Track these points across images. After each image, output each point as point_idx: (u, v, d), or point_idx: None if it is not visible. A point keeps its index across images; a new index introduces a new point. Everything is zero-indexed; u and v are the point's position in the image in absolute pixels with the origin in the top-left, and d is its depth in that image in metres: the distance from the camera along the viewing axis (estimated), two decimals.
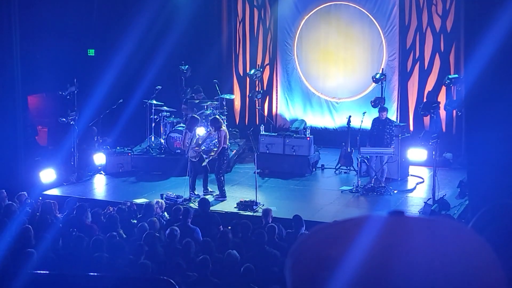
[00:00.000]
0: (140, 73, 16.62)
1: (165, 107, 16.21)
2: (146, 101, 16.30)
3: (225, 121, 14.89)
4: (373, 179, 13.99)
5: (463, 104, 14.25)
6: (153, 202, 11.74)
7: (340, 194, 13.97)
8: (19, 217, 10.50)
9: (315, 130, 16.82)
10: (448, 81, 15.82)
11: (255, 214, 12.38)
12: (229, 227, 10.64)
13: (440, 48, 16.68)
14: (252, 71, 17.91)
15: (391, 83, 17.03)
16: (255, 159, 13.60)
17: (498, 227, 1.71)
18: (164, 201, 12.52)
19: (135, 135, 16.99)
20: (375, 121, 14.35)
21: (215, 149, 13.67)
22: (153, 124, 16.36)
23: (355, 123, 15.40)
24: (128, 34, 16.18)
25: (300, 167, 15.34)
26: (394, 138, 14.21)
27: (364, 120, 14.97)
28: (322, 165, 15.92)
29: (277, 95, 18.49)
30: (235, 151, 16.22)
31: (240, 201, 12.91)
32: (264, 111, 18.42)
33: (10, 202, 11.44)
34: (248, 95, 18.38)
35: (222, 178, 13.50)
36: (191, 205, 12.81)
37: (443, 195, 12.99)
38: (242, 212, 12.60)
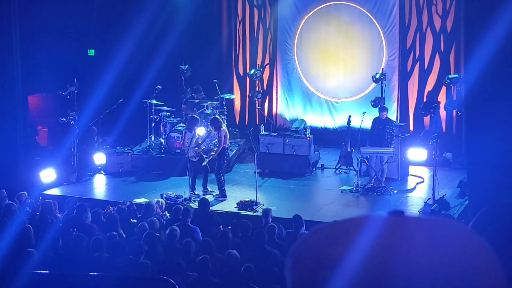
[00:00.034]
0: (140, 73, 16.63)
1: (165, 107, 16.21)
2: (146, 101, 16.30)
3: (225, 121, 14.88)
4: (373, 179, 13.99)
5: (463, 104, 14.26)
6: (153, 202, 11.74)
7: (340, 194, 13.97)
8: (19, 216, 10.49)
9: (315, 130, 16.82)
10: (448, 81, 15.82)
11: (255, 214, 12.38)
12: (229, 227, 10.64)
13: (440, 48, 16.68)
14: (252, 71, 17.92)
15: (391, 83, 17.03)
16: (255, 159, 13.60)
17: (498, 227, 1.71)
18: (164, 200, 12.52)
19: (135, 135, 16.99)
20: (376, 121, 14.35)
21: (215, 148, 13.67)
22: (153, 124, 16.37)
23: (355, 123, 15.40)
24: (128, 34, 16.18)
25: (300, 167, 15.34)
26: (394, 138, 14.21)
27: (364, 120, 14.97)
28: (322, 165, 15.92)
29: (277, 95, 18.49)
30: (235, 151, 16.22)
31: (240, 201, 12.91)
32: (264, 111, 18.42)
33: (10, 201, 11.44)
34: (248, 95, 18.38)
35: (222, 177, 13.50)
36: (191, 205, 12.80)
37: (443, 195, 12.99)
38: (242, 212, 12.60)
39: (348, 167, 15.49)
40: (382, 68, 16.81)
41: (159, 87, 16.32)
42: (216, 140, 13.94)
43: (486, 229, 1.68)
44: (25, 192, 12.15)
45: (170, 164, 15.24)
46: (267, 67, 18.54)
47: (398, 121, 15.86)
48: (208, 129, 14.29)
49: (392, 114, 16.39)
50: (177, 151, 15.29)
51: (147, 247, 9.00)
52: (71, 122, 15.31)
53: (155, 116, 16.31)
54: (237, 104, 18.82)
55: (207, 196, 12.92)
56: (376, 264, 1.19)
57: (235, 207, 12.85)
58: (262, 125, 16.33)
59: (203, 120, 15.36)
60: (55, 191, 14.00)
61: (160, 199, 12.39)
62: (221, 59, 18.65)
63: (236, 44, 18.82)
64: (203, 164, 13.61)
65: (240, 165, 16.15)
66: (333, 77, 17.77)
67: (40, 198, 12.52)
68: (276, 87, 18.47)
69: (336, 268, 1.22)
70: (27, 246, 8.87)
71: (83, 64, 17.05)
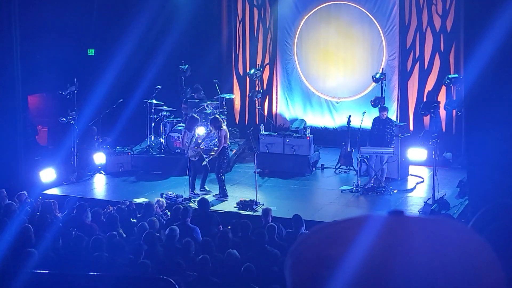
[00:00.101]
0: (140, 72, 16.62)
1: (165, 107, 16.21)
2: (146, 100, 16.30)
3: (225, 120, 14.88)
4: (372, 179, 13.98)
5: (463, 104, 14.27)
6: (153, 202, 11.74)
7: (340, 193, 13.97)
8: (19, 216, 10.49)
9: (315, 130, 16.81)
10: (448, 81, 15.82)
11: (255, 213, 12.38)
12: (229, 227, 10.64)
13: (440, 48, 16.68)
14: (252, 71, 17.91)
15: (391, 83, 17.03)
16: (255, 158, 13.60)
17: (498, 227, 1.71)
18: (165, 200, 12.52)
19: (135, 134, 16.99)
20: (376, 121, 14.35)
21: (215, 148, 13.66)
22: (153, 124, 16.36)
23: (355, 123, 15.39)
24: (128, 34, 16.18)
25: (300, 167, 15.34)
26: (394, 137, 14.21)
27: (364, 120, 14.96)
28: (322, 165, 15.92)
29: (277, 95, 18.49)
30: (235, 150, 16.22)
31: (240, 201, 12.91)
32: (264, 111, 18.42)
33: (10, 201, 11.44)
34: (248, 95, 18.38)
35: (223, 177, 13.50)
36: (191, 204, 12.80)
37: (443, 195, 12.99)
38: (242, 212, 12.60)
39: (348, 167, 15.49)
40: (382, 68, 16.81)
41: (159, 87, 16.32)
42: (216, 140, 13.94)
43: (486, 229, 1.68)
44: (25, 192, 12.15)
45: (170, 164, 15.24)
46: (267, 67, 18.54)
47: (398, 121, 15.86)
48: (208, 129, 14.29)
49: (392, 114, 16.38)
50: (177, 151, 15.29)
51: (147, 247, 9.00)
52: (71, 122, 15.30)
53: (155, 116, 16.31)
54: (237, 104, 18.82)
55: (207, 196, 12.91)
56: (376, 264, 1.20)
57: (235, 207, 12.85)
58: (262, 125, 16.33)
59: (203, 120, 15.36)
60: (55, 191, 14.00)
61: (161, 199, 12.39)
62: (221, 59, 18.65)
63: (236, 44, 18.82)
64: (203, 163, 13.61)
65: (240, 165, 16.15)
66: (333, 77, 17.77)
67: (40, 197, 12.52)
68: (276, 87, 18.47)
69: (336, 268, 1.22)
70: (27, 246, 8.87)
71: (83, 64, 17.04)
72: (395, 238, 1.23)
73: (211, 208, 12.17)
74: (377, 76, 16.25)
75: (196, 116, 14.30)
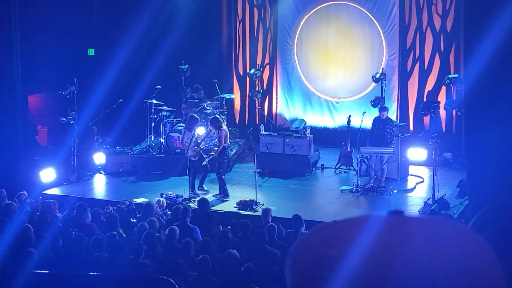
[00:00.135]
0: (140, 72, 16.62)
1: (165, 107, 16.21)
2: (146, 100, 16.30)
3: (225, 120, 14.87)
4: (372, 179, 13.98)
5: (463, 104, 14.27)
6: (153, 202, 11.74)
7: (340, 193, 13.97)
8: (19, 216, 10.49)
9: (315, 130, 16.81)
10: (448, 81, 15.82)
11: (255, 213, 12.38)
12: (229, 227, 10.64)
13: (440, 48, 16.68)
14: (252, 71, 17.91)
15: (391, 83, 17.03)
16: (255, 158, 13.60)
17: (498, 227, 1.71)
18: (165, 200, 12.52)
19: (135, 134, 16.98)
20: (376, 121, 14.35)
21: (216, 148, 13.66)
22: (153, 124, 16.36)
23: (355, 123, 15.39)
24: (128, 34, 16.17)
25: (300, 167, 15.34)
26: (394, 137, 14.21)
27: (364, 120, 14.96)
28: (322, 165, 15.92)
29: (277, 95, 18.49)
30: (235, 150, 16.22)
31: (240, 201, 12.92)
32: (264, 111, 18.42)
33: (10, 201, 11.43)
34: (248, 95, 18.38)
35: (223, 177, 13.50)
36: (191, 204, 12.80)
37: (443, 195, 12.99)
38: (242, 212, 12.60)
39: (348, 167, 15.49)
40: (382, 68, 16.81)
41: (159, 87, 16.32)
42: (216, 139, 13.94)
43: (486, 229, 1.68)
44: (25, 192, 12.15)
45: (170, 164, 15.24)
46: (267, 67, 18.54)
47: (398, 121, 15.86)
48: (208, 129, 14.30)
49: (392, 114, 16.38)
50: (177, 151, 15.29)
51: (146, 247, 9.00)
52: (71, 122, 15.30)
53: (155, 116, 16.31)
54: (237, 104, 18.82)
55: (207, 196, 12.91)
56: (376, 264, 1.19)
57: (235, 207, 12.85)
58: (262, 125, 16.33)
59: (203, 120, 15.36)
60: (55, 191, 14.00)
61: (161, 198, 12.40)
62: (221, 59, 18.65)
63: (236, 44, 18.82)
64: (203, 163, 13.62)
65: (240, 165, 16.15)
66: (333, 77, 17.77)
67: (40, 197, 12.52)
68: (276, 86, 18.47)
69: (336, 268, 1.22)
70: (27, 246, 8.87)
71: (83, 64, 17.04)
72: (395, 238, 1.22)
73: (211, 208, 12.17)
74: (377, 76, 16.25)
75: (196, 116, 14.31)
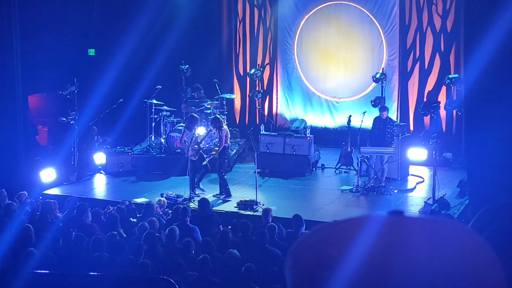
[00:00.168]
0: (140, 72, 16.62)
1: (165, 107, 16.21)
2: (146, 100, 16.30)
3: (225, 120, 14.88)
4: (371, 179, 13.98)
5: (463, 104, 14.26)
6: (153, 202, 11.74)
7: (340, 193, 13.97)
8: (19, 216, 10.49)
9: (315, 130, 16.81)
10: (448, 81, 15.82)
11: (255, 213, 12.38)
12: (229, 227, 10.64)
13: (440, 48, 16.68)
14: (252, 71, 17.91)
15: (391, 83, 17.03)
16: (255, 158, 13.59)
17: (498, 227, 1.71)
18: (165, 199, 12.52)
19: (135, 134, 16.99)
20: (376, 121, 14.36)
21: (216, 148, 13.66)
22: (153, 124, 16.36)
23: (355, 123, 15.40)
24: (128, 34, 16.17)
25: (300, 167, 15.34)
26: (394, 137, 14.21)
27: (364, 120, 14.96)
28: (322, 165, 15.92)
29: (277, 95, 18.49)
30: (235, 150, 16.22)
31: (240, 201, 12.91)
32: (264, 111, 18.42)
33: (10, 201, 11.43)
34: (248, 95, 18.38)
35: (225, 177, 13.50)
36: (191, 204, 12.80)
37: (443, 195, 12.99)
38: (242, 212, 12.60)
39: (348, 167, 15.49)
40: (382, 68, 16.81)
41: (159, 87, 16.32)
42: (217, 139, 13.94)
43: (486, 229, 1.68)
44: (25, 192, 12.15)
45: (170, 164, 15.24)
46: (267, 66, 18.54)
47: (398, 121, 15.86)
48: (209, 129, 14.30)
49: (392, 114, 16.37)
50: (177, 150, 15.29)
51: (147, 247, 9.00)
52: (71, 122, 15.30)
53: (155, 116, 16.31)
54: (237, 103, 18.82)
55: (206, 196, 12.90)
56: (376, 264, 1.20)
57: (235, 207, 12.85)
58: (262, 124, 16.33)
59: (203, 120, 15.35)
60: (55, 191, 14.00)
61: (162, 198, 12.40)
62: (221, 59, 18.65)
63: (236, 44, 18.82)
64: (203, 163, 13.61)
65: (240, 165, 16.14)
66: (333, 76, 17.77)
67: (40, 197, 12.52)
68: (276, 86, 18.47)
69: (336, 267, 1.22)
70: (28, 246, 8.87)
71: (83, 64, 17.03)
72: (395, 238, 1.23)
73: (212, 208, 12.16)
74: (377, 76, 16.24)
75: (195, 115, 14.30)
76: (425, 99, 16.53)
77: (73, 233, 9.83)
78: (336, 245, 1.25)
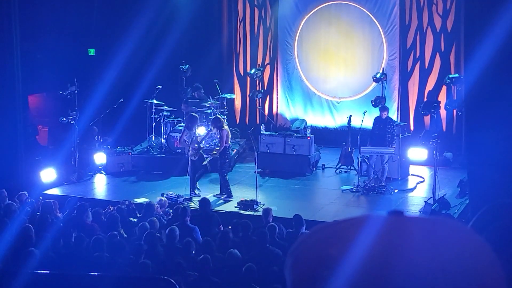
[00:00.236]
0: (140, 72, 16.62)
1: (165, 107, 16.21)
2: (147, 100, 16.30)
3: (225, 120, 14.88)
4: (372, 179, 13.98)
5: (463, 103, 14.25)
6: (153, 202, 11.74)
7: (340, 193, 13.97)
8: (20, 216, 10.50)
9: (315, 130, 16.81)
10: (449, 80, 15.82)
11: (255, 213, 12.38)
12: (230, 227, 10.64)
13: (441, 48, 16.68)
14: (253, 71, 17.91)
15: (392, 83, 17.02)
16: (256, 158, 13.59)
17: (498, 227, 1.71)
18: (166, 199, 12.52)
19: (136, 134, 16.98)
20: (376, 121, 14.36)
21: (217, 148, 13.66)
22: (154, 124, 16.36)
23: (356, 123, 15.40)
24: (128, 34, 16.18)
25: (300, 167, 15.34)
26: (395, 137, 14.21)
27: (364, 120, 14.96)
28: (323, 165, 15.92)
29: (277, 95, 18.49)
30: (235, 150, 16.22)
31: (241, 201, 12.92)
32: (264, 111, 18.42)
33: (10, 201, 11.44)
34: (249, 95, 18.38)
35: (227, 177, 13.50)
36: (192, 204, 12.80)
37: (444, 195, 12.99)
38: (242, 212, 12.60)
39: (349, 167, 15.49)
40: (383, 68, 16.80)
41: (160, 87, 16.32)
42: (217, 139, 13.94)
43: (486, 229, 1.68)
44: (25, 192, 12.15)
45: (171, 164, 15.24)
46: (268, 66, 18.54)
47: (399, 121, 15.86)
48: (209, 129, 14.30)
49: (393, 114, 16.36)
50: (177, 151, 15.29)
51: (147, 247, 9.00)
52: (72, 122, 15.30)
53: (156, 116, 16.31)
54: (238, 103, 18.82)
55: (208, 196, 12.90)
56: (376, 264, 1.20)
57: (235, 207, 12.85)
58: (262, 124, 16.33)
59: (204, 120, 15.35)
60: (55, 191, 14.00)
61: (163, 198, 12.40)
62: (222, 59, 18.65)
63: (237, 44, 18.82)
64: (203, 163, 13.61)
65: (240, 165, 16.15)
66: (334, 76, 17.77)
67: (41, 198, 12.52)
68: (277, 86, 18.47)
69: (336, 267, 1.22)
70: (28, 246, 8.87)
71: (84, 64, 17.03)
72: (395, 238, 1.23)
73: (212, 208, 12.16)
74: (378, 76, 16.24)
75: (195, 114, 14.29)
76: (425, 99, 16.53)
77: (74, 233, 9.83)
78: (336, 245, 1.25)
